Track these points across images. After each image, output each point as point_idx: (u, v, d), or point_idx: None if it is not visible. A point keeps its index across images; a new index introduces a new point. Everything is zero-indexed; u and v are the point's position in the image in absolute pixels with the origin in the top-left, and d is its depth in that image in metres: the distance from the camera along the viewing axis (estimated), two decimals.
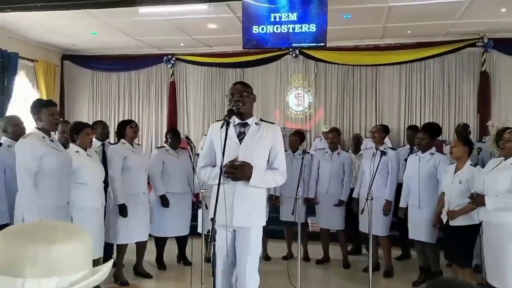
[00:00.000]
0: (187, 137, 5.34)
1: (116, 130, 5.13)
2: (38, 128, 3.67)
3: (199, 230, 5.25)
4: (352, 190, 5.66)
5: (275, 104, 9.42)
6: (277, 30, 6.38)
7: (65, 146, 4.18)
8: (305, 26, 6.27)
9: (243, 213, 3.04)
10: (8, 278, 1.00)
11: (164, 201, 5.33)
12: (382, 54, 8.80)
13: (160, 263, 5.59)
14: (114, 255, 4.96)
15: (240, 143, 3.09)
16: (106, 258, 4.45)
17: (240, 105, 3.10)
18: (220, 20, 7.43)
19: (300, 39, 6.38)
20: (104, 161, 4.96)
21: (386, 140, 6.21)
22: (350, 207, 5.65)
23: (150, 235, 5.24)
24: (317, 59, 9.10)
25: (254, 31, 6.45)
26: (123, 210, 4.73)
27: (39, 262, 1.01)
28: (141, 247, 5.17)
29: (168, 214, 5.36)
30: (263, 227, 3.23)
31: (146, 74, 10.00)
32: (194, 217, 5.63)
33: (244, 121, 3.16)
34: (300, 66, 9.27)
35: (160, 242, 5.57)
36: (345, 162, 5.73)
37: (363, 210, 4.55)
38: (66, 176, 3.80)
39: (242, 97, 3.11)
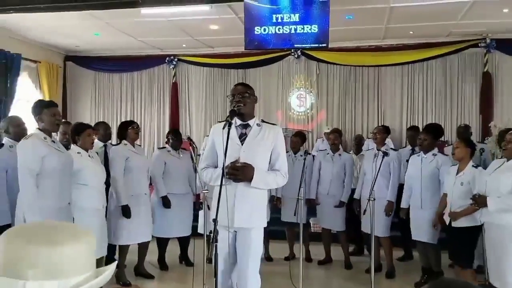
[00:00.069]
0: (189, 138, 5.34)
1: (117, 131, 5.12)
2: (39, 129, 3.68)
3: (200, 230, 5.26)
4: (353, 191, 5.66)
5: (277, 105, 9.43)
6: (279, 31, 6.38)
7: (67, 147, 4.18)
8: (307, 27, 6.27)
9: (244, 214, 3.04)
10: (9, 279, 1.00)
11: (166, 202, 5.33)
12: (384, 55, 8.79)
13: (162, 264, 5.59)
14: (116, 255, 4.96)
15: (242, 145, 3.10)
16: (108, 259, 4.46)
17: (241, 106, 3.10)
18: (222, 21, 7.44)
19: (302, 40, 6.38)
20: (106, 162, 4.96)
21: (388, 141, 6.21)
22: (351, 208, 5.64)
23: (152, 236, 5.24)
24: (319, 60, 9.11)
25: (256, 32, 6.46)
26: (126, 211, 4.73)
27: (41, 264, 1.00)
28: (143, 247, 5.17)
29: (170, 215, 5.36)
30: (264, 228, 3.24)
31: (148, 75, 10.02)
32: (195, 218, 5.63)
33: (246, 122, 3.16)
34: (302, 67, 9.28)
35: (162, 243, 5.57)
36: (346, 163, 5.73)
37: (365, 211, 4.56)
38: (68, 177, 3.80)
39: (244, 97, 3.11)
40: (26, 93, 8.54)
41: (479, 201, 3.78)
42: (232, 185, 3.00)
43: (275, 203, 5.80)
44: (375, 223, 4.39)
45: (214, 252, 2.70)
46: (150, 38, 8.65)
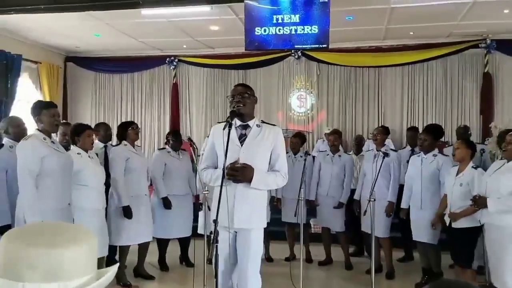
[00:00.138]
0: (189, 139, 5.33)
1: (117, 131, 5.11)
2: (38, 130, 3.68)
3: (200, 231, 5.26)
4: (352, 191, 5.65)
5: (277, 105, 9.43)
6: (279, 31, 6.38)
7: (66, 148, 4.18)
8: (308, 28, 6.27)
9: (244, 215, 3.04)
10: (8, 281, 0.99)
11: (166, 203, 5.33)
12: (384, 55, 8.79)
13: (163, 265, 5.59)
14: (117, 256, 4.96)
15: (242, 145, 3.10)
16: (109, 260, 4.46)
17: (241, 106, 3.10)
18: (222, 22, 7.44)
19: (303, 41, 6.38)
20: (106, 163, 4.95)
21: (388, 141, 6.21)
22: (351, 209, 5.64)
23: (152, 237, 5.24)
24: (319, 61, 9.11)
25: (256, 33, 6.46)
26: (128, 212, 4.72)
27: (40, 266, 0.99)
28: (143, 248, 5.16)
29: (170, 216, 5.35)
30: (265, 228, 3.23)
31: (149, 76, 10.02)
32: (195, 219, 5.63)
33: (245, 123, 3.16)
34: (302, 67, 9.28)
35: (163, 244, 5.57)
36: (346, 164, 5.72)
37: (365, 211, 4.56)
38: (68, 178, 3.80)
39: (243, 98, 3.12)
40: (27, 94, 8.54)
41: (479, 202, 3.78)
42: (231, 185, 3.00)
43: (275, 204, 5.81)
44: (375, 224, 4.39)
45: (214, 252, 2.70)
46: (150, 38, 8.66)
